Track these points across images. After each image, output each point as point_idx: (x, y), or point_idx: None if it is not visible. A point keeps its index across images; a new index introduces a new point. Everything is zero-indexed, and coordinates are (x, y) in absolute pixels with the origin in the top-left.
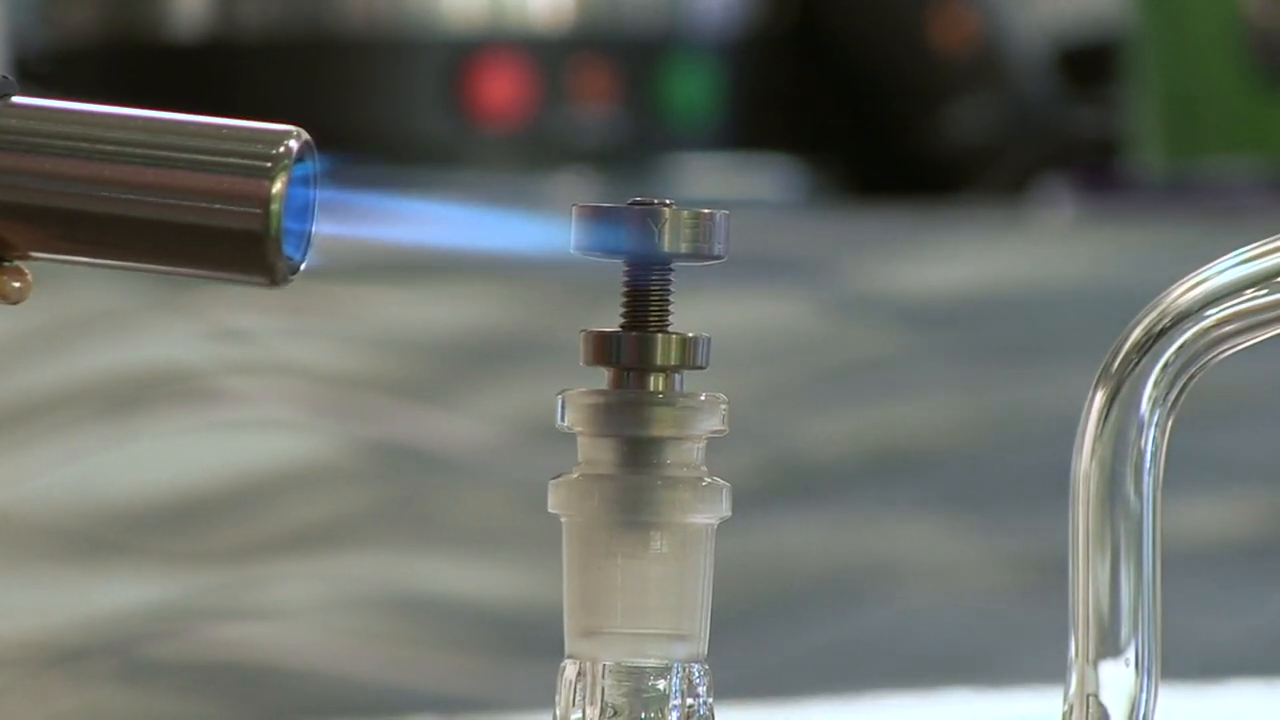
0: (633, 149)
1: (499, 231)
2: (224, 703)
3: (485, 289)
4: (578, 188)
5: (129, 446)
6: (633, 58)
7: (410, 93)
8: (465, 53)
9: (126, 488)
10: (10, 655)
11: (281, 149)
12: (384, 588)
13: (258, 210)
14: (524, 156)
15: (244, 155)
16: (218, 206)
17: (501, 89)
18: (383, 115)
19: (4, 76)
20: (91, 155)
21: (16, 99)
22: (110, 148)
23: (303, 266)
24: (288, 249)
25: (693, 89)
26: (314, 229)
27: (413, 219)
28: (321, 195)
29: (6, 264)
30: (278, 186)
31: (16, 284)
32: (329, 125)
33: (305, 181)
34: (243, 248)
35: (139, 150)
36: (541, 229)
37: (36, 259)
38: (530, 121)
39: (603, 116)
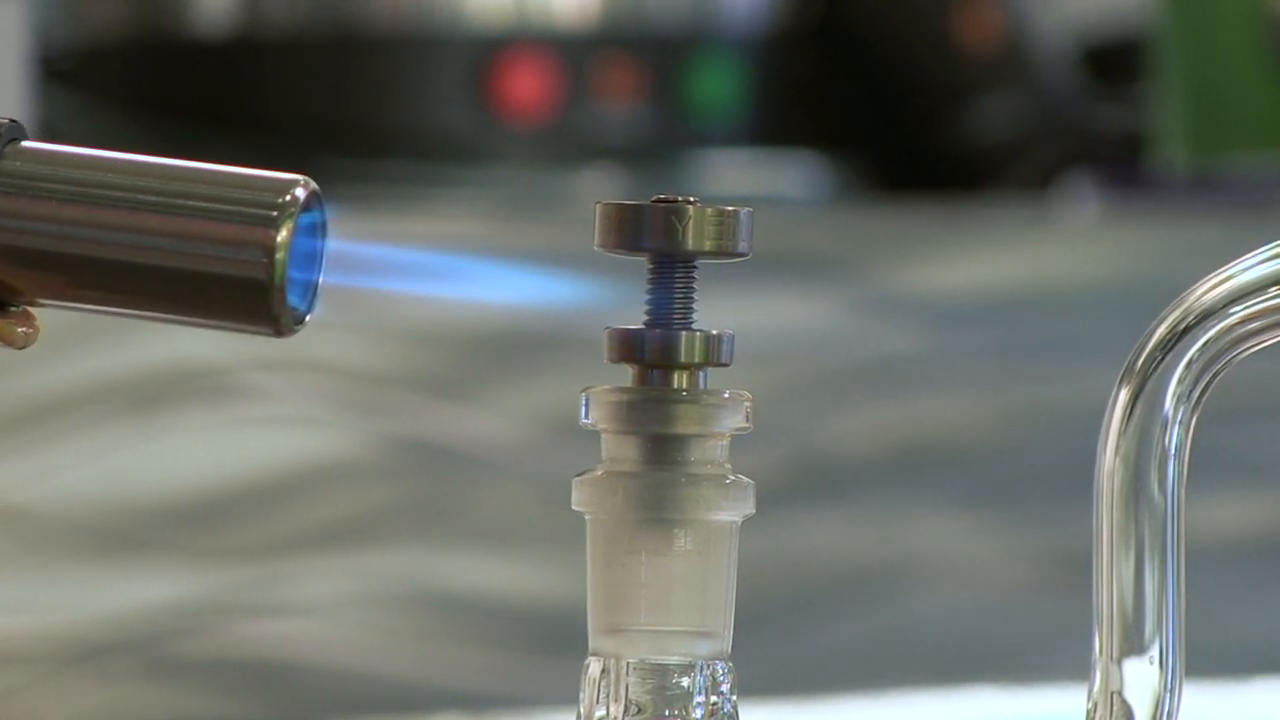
0: (658, 146)
1: (501, 283)
2: (249, 700)
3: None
4: (603, 185)
5: (154, 443)
6: (658, 54)
7: (436, 90)
8: (490, 50)
9: (152, 484)
10: (35, 652)
11: (288, 197)
12: (409, 585)
13: (262, 259)
14: (549, 153)
15: (250, 203)
16: (222, 254)
17: (527, 86)
18: (408, 112)
19: (13, 121)
20: (97, 201)
21: (25, 143)
22: (116, 193)
23: (309, 317)
24: (293, 299)
25: (718, 86)
26: (320, 279)
27: (418, 270)
28: (328, 245)
29: (13, 309)
30: (283, 235)
31: (22, 329)
32: (354, 122)
33: (312, 231)
34: (247, 297)
35: (144, 196)
36: (542, 279)
37: (43, 305)
38: (555, 118)
39: (628, 113)
